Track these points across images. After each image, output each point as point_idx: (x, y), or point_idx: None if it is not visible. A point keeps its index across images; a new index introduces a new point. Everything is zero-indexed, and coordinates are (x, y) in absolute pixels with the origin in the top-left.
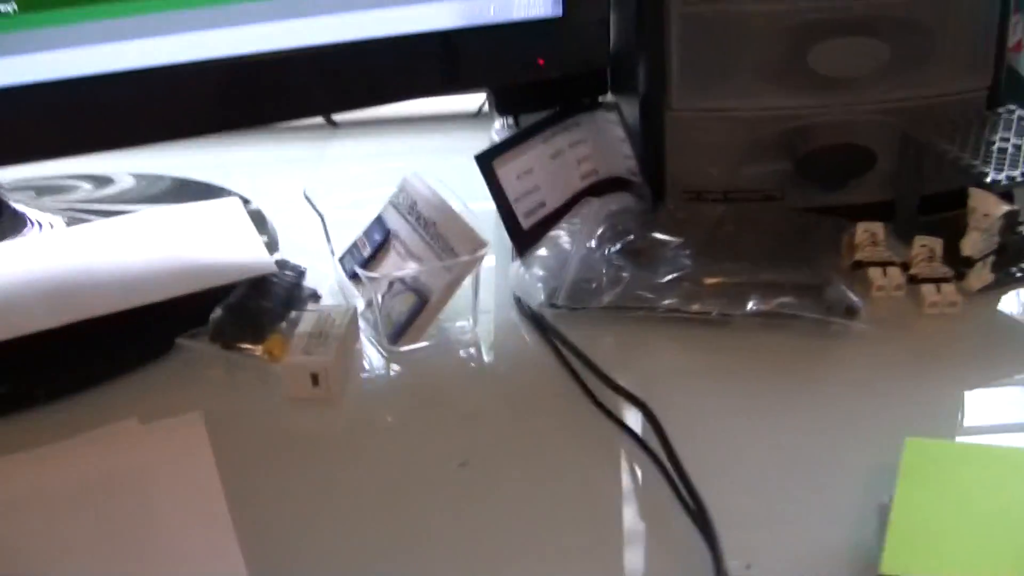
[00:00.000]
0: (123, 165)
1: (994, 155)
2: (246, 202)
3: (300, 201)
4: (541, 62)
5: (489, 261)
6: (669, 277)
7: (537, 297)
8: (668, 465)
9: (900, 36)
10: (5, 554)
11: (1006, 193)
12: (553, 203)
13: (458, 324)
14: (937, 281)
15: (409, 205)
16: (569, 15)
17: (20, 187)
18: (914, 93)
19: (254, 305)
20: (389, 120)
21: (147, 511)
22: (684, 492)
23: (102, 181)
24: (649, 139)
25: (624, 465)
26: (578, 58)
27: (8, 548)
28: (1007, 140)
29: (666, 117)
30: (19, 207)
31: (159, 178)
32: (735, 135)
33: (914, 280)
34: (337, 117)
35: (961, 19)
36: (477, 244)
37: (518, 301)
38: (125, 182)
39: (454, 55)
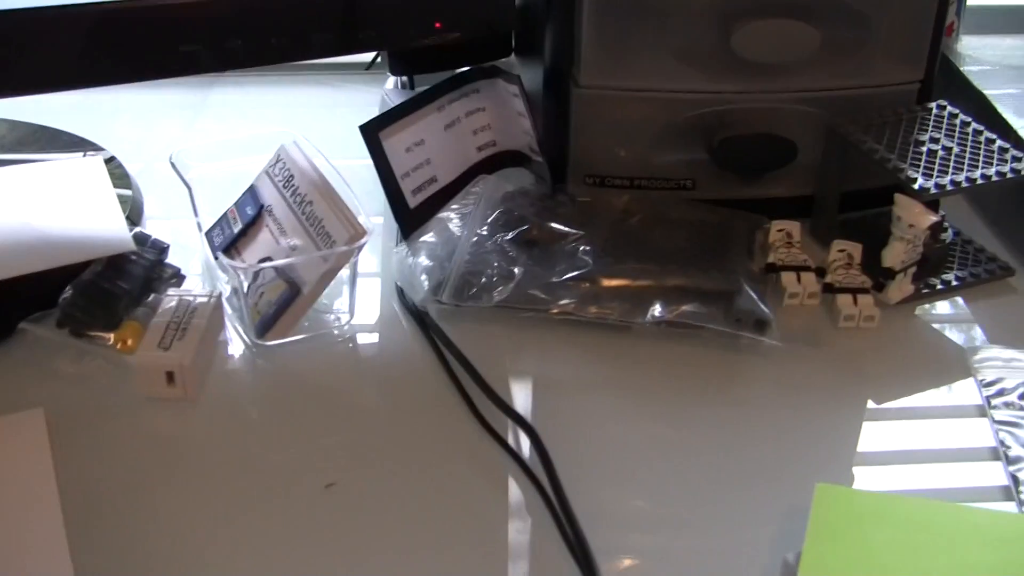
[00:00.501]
0: None
1: (923, 158)
2: (110, 159)
3: (166, 162)
4: (439, 25)
5: (374, 238)
6: (566, 276)
7: (421, 290)
8: (552, 495)
9: (833, 21)
10: None
11: (932, 201)
12: (445, 178)
13: (333, 317)
14: (855, 291)
15: (286, 178)
16: None
17: None
18: (843, 83)
19: (108, 287)
20: (275, 69)
21: None
22: (567, 528)
23: None
24: (552, 115)
25: (505, 487)
26: (479, 20)
27: None
28: (937, 141)
29: (573, 93)
30: None
31: (13, 124)
32: (647, 117)
33: (830, 289)
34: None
35: (898, 5)
36: (357, 232)
37: (400, 293)
38: None
39: (349, 16)
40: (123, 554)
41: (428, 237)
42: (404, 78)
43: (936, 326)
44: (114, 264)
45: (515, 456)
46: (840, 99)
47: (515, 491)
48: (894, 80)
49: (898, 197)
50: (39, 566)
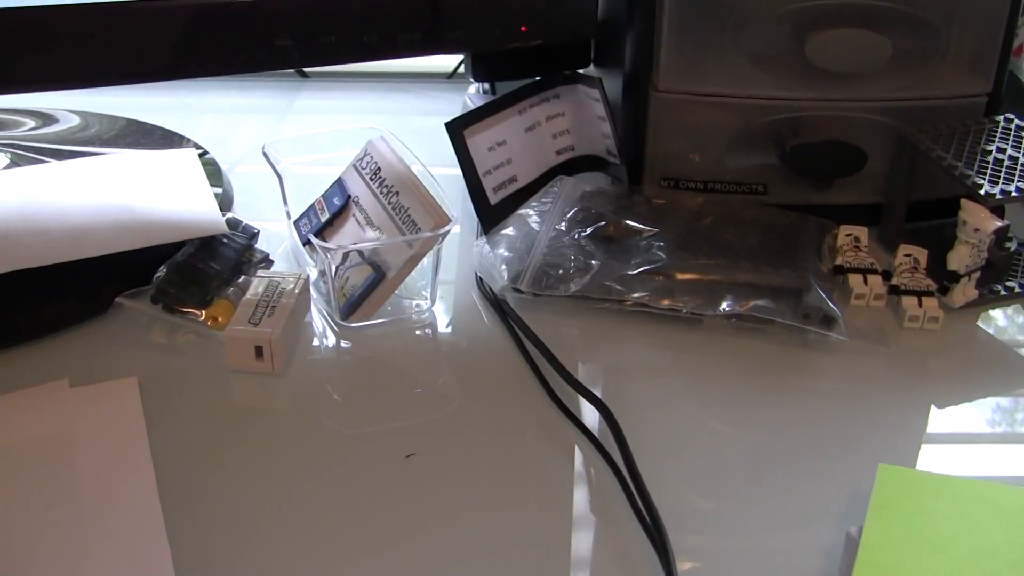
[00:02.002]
0: (79, 102)
1: (989, 166)
2: (203, 153)
3: (261, 155)
4: (524, 28)
5: (453, 234)
6: (641, 269)
7: (500, 280)
8: (624, 472)
9: (903, 32)
10: None
11: (997, 208)
12: (524, 178)
13: (415, 302)
14: (919, 294)
15: (373, 170)
16: None
17: None
18: (912, 94)
19: (201, 267)
20: (361, 74)
21: (71, 479)
22: (640, 503)
23: (48, 119)
24: (631, 119)
25: (579, 466)
26: (563, 27)
27: None
28: (1004, 151)
29: (651, 97)
30: None
31: (112, 119)
32: (722, 122)
33: (896, 291)
34: (308, 68)
35: (968, 19)
36: (441, 220)
37: (480, 282)
38: (71, 121)
39: (435, 16)
40: (209, 518)
41: (508, 231)
42: (486, 85)
43: (999, 331)
44: (207, 246)
45: (587, 432)
46: (909, 109)
47: (586, 464)
48: (962, 92)
49: (964, 202)
50: (133, 526)
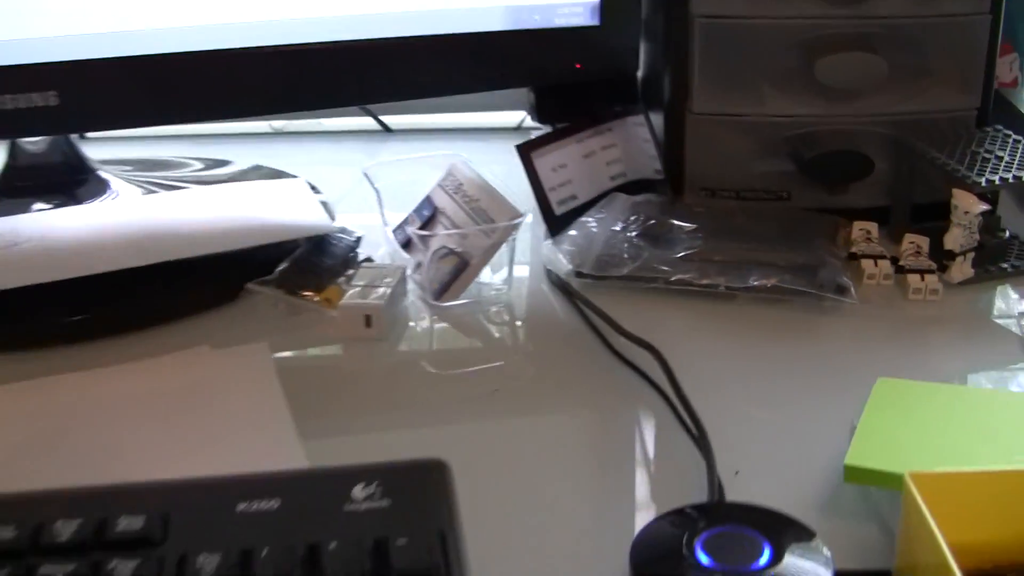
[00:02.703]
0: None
1: (978, 163)
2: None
3: (354, 192)
4: (579, 66)
5: (525, 241)
6: (682, 254)
7: (565, 267)
8: (672, 396)
9: (897, 54)
10: (88, 453)
11: (989, 200)
12: (583, 197)
13: (494, 287)
14: (922, 271)
15: (456, 186)
16: (604, 25)
17: (110, 161)
18: (909, 107)
19: (316, 260)
20: (437, 129)
21: (217, 414)
22: (685, 415)
23: (176, 165)
24: (672, 139)
25: (634, 398)
26: (611, 63)
27: (91, 448)
28: (991, 152)
29: (687, 120)
30: (103, 175)
31: (229, 162)
32: (748, 138)
33: (901, 270)
34: (390, 122)
35: (953, 42)
36: (514, 214)
37: (548, 272)
38: (197, 165)
39: (501, 55)
40: (324, 449)
41: (571, 232)
42: (548, 128)
43: (992, 304)
44: (319, 245)
45: (643, 375)
46: (908, 122)
47: (643, 400)
48: (953, 107)
49: (955, 191)
50: (271, 443)
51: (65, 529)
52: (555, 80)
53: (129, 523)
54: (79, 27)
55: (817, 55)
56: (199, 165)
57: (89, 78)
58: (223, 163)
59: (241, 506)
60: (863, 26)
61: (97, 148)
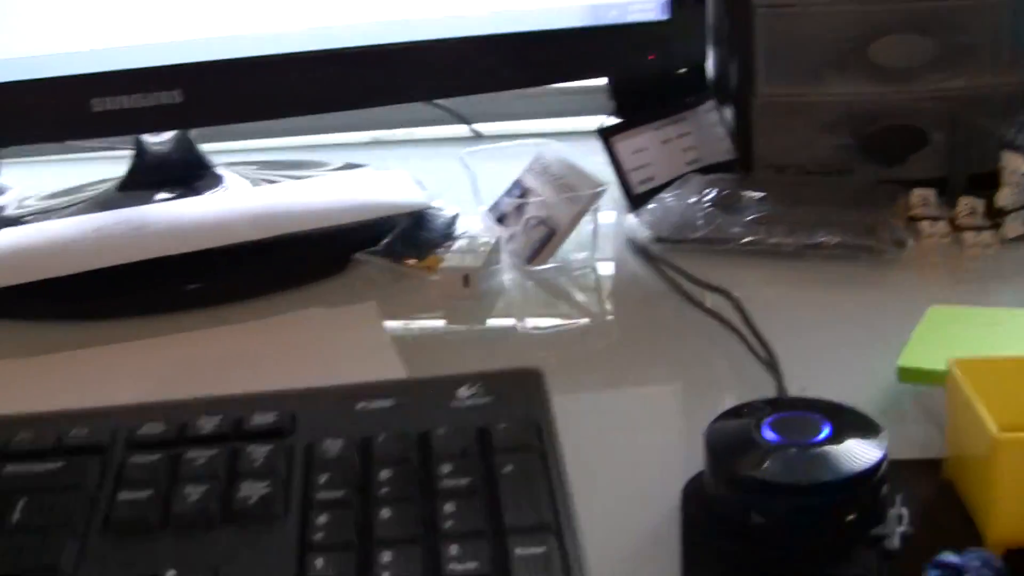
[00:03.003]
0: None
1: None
2: None
3: (450, 187)
4: (652, 56)
5: (609, 216)
6: (752, 217)
7: (645, 233)
8: (745, 331)
9: (947, 34)
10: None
11: None
12: (661, 179)
13: (581, 254)
14: (977, 228)
15: (542, 168)
16: (674, 18)
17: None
18: (960, 84)
19: (418, 232)
20: (523, 134)
21: (331, 360)
22: (756, 345)
23: (285, 165)
24: (740, 121)
25: (711, 337)
26: (682, 54)
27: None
28: None
29: (753, 104)
30: (220, 170)
31: (331, 164)
32: (810, 118)
33: (958, 228)
34: (482, 128)
35: (999, 22)
36: (597, 184)
37: (629, 240)
38: (305, 165)
39: (581, 50)
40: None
41: (650, 206)
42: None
43: None
44: (420, 221)
45: (717, 316)
46: (959, 98)
47: (719, 338)
48: (1002, 82)
49: (1004, 153)
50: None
51: (207, 424)
52: (631, 72)
53: (262, 419)
54: (202, 31)
55: (871, 38)
56: (307, 165)
57: (210, 77)
58: (326, 164)
59: (360, 405)
60: (914, 9)
61: (214, 153)
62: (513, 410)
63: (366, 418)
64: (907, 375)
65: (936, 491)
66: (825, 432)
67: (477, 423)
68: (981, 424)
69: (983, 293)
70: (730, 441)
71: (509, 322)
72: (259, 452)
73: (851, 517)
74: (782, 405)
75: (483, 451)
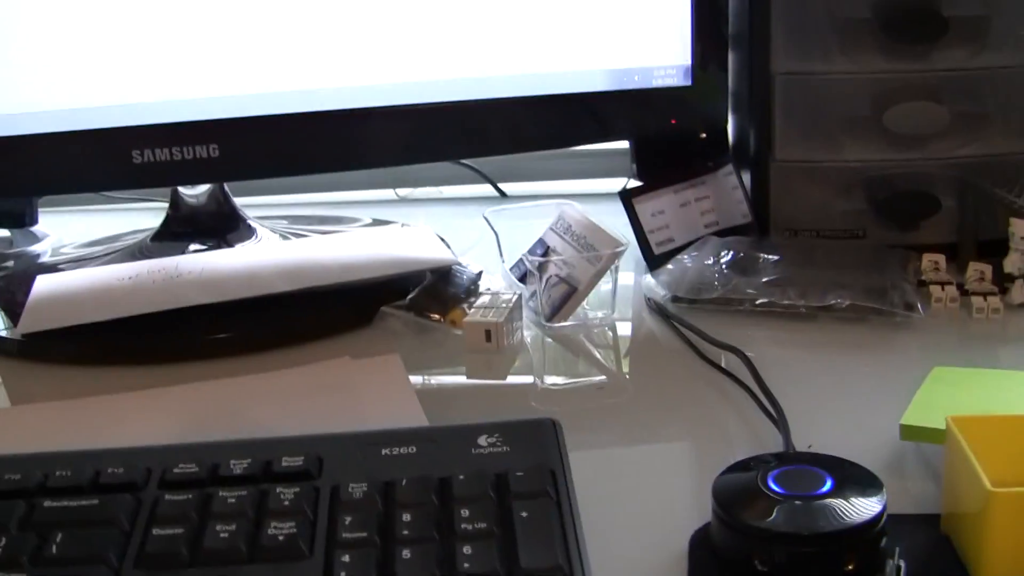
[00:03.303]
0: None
1: None
2: None
3: (474, 245)
4: (674, 121)
5: (627, 276)
6: (767, 279)
7: (662, 294)
8: (755, 388)
9: (960, 102)
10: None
11: None
12: (680, 240)
13: (600, 312)
14: (985, 294)
15: (565, 227)
16: (696, 85)
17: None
18: (973, 151)
19: (442, 287)
20: (546, 194)
21: (356, 406)
22: (765, 402)
23: (316, 220)
24: (757, 184)
25: (722, 392)
26: (703, 119)
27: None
28: None
29: (771, 167)
30: (252, 223)
31: (361, 220)
32: (826, 182)
33: (966, 293)
34: (507, 188)
35: (1011, 91)
36: (616, 244)
37: (647, 299)
38: (334, 221)
39: (604, 113)
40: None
41: (668, 266)
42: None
43: None
44: (445, 277)
45: (729, 374)
46: (971, 165)
47: (730, 394)
48: (1013, 150)
49: (1013, 219)
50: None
51: (237, 465)
52: (652, 134)
53: (290, 461)
54: (239, 88)
55: (886, 105)
56: (336, 221)
57: (246, 133)
58: (355, 220)
59: (384, 450)
60: (927, 78)
61: (247, 206)
62: (530, 458)
63: (389, 463)
64: (909, 433)
65: (933, 545)
66: (827, 485)
67: (495, 470)
68: (976, 478)
69: (989, 356)
70: (737, 492)
71: (528, 377)
72: (287, 493)
73: (850, 567)
74: (788, 459)
75: (501, 497)
